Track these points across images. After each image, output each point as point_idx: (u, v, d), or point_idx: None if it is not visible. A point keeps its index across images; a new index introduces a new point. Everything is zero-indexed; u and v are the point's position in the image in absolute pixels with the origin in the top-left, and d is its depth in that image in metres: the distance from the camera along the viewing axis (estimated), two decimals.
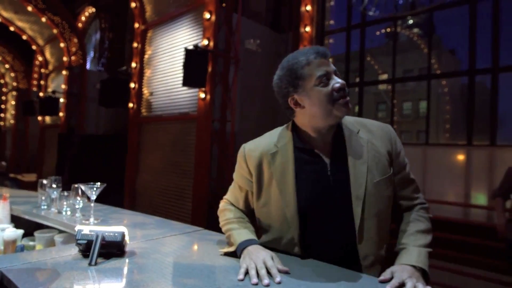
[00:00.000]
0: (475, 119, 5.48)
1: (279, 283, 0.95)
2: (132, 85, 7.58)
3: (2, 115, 15.96)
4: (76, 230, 1.13)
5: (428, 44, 6.58)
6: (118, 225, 1.20)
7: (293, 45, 7.19)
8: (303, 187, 1.13)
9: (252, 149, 1.22)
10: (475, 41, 5.39)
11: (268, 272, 0.99)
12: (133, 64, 7.65)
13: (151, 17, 7.55)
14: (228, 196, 1.36)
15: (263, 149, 1.20)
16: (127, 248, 1.22)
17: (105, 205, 2.12)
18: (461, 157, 5.52)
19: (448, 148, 5.82)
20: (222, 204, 1.36)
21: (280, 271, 1.00)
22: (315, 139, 1.15)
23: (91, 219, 1.68)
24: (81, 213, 1.79)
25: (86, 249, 1.12)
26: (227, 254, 1.19)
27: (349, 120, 1.20)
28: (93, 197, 1.68)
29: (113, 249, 1.14)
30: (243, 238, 1.15)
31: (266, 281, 0.94)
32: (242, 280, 0.97)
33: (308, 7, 7.02)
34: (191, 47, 5.49)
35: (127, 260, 1.13)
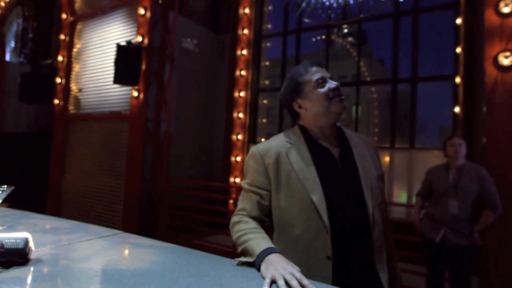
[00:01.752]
0: (398, 124, 5.95)
1: None
2: (58, 80, 7.05)
3: None
4: None
5: (358, 52, 7.01)
6: (26, 231, 1.10)
7: (231, 47, 7.22)
8: (321, 175, 1.21)
9: (265, 149, 1.29)
10: (398, 52, 5.86)
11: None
12: (60, 58, 7.13)
13: (81, 9, 7.11)
14: (240, 208, 1.32)
15: (277, 147, 1.28)
16: (33, 256, 1.12)
17: (15, 210, 1.93)
18: (386, 158, 5.95)
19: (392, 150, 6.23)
20: (235, 218, 1.30)
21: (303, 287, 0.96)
22: (321, 137, 1.29)
23: None
24: None
25: None
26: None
27: (344, 128, 1.36)
28: None
29: (14, 257, 1.04)
30: (263, 247, 1.11)
31: None
32: None
33: (247, 10, 7.10)
34: (123, 43, 5.26)
35: (31, 269, 1.04)
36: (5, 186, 1.53)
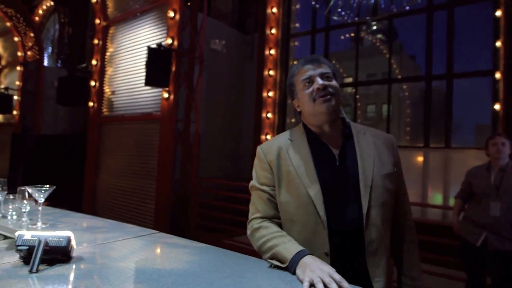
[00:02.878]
0: (432, 123, 5.74)
1: None
2: (92, 83, 7.30)
3: None
4: (16, 236, 1.05)
5: (389, 49, 6.82)
6: (68, 229, 1.13)
7: (259, 47, 7.21)
8: (318, 171, 1.21)
9: (268, 146, 1.31)
10: (432, 48, 5.65)
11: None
12: (94, 62, 7.37)
13: (113, 13, 7.32)
14: (253, 212, 1.31)
15: (279, 144, 1.30)
16: (74, 254, 1.15)
17: (56, 208, 2.01)
18: (419, 158, 5.76)
19: (407, 150, 6.05)
20: (252, 224, 1.28)
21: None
22: (321, 134, 1.27)
23: (39, 224, 1.58)
24: (28, 217, 1.69)
25: (28, 255, 1.05)
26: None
27: (356, 124, 1.33)
28: (41, 200, 1.58)
29: (57, 255, 1.07)
30: (294, 251, 1.10)
31: None
32: None
33: (274, 9, 7.07)
34: (154, 46, 5.37)
35: (73, 266, 1.07)
36: (47, 186, 1.59)
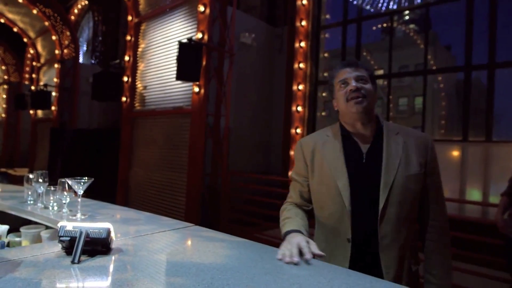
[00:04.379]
0: (471, 115, 5.46)
1: (307, 260, 1.08)
2: (125, 78, 7.47)
3: None
4: (59, 227, 1.06)
5: (424, 39, 6.54)
6: (105, 221, 1.14)
7: (289, 39, 7.11)
8: (348, 166, 1.33)
9: (306, 141, 1.48)
10: (472, 36, 5.36)
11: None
12: (126, 58, 7.53)
13: (145, 10, 7.43)
14: (288, 196, 1.52)
15: (316, 139, 1.45)
16: (113, 245, 1.16)
17: (94, 200, 2.05)
18: (456, 153, 5.51)
19: (443, 144, 5.80)
20: (283, 206, 1.50)
21: (315, 254, 1.12)
22: (354, 132, 1.38)
23: (78, 215, 1.62)
24: (68, 209, 1.73)
25: (69, 246, 1.06)
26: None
27: (391, 124, 1.41)
28: (80, 192, 1.61)
29: (98, 246, 1.08)
30: (289, 228, 1.28)
31: (295, 258, 1.08)
32: (279, 259, 1.11)
33: (304, 1, 6.94)
34: (185, 41, 5.40)
35: (112, 258, 1.07)
36: (86, 178, 1.62)
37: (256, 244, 1.28)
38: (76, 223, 1.08)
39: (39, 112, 11.82)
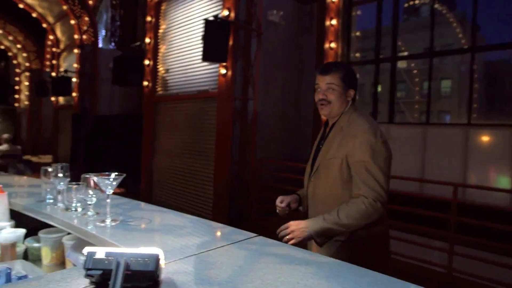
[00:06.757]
0: (497, 98, 4.88)
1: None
2: (146, 62, 7.14)
3: (17, 96, 15.76)
4: (85, 255, 0.72)
5: (474, 19, 5.93)
6: (141, 226, 0.79)
7: (318, 17, 6.61)
8: (316, 150, 1.72)
9: None
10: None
11: None
12: (147, 40, 7.20)
13: None
14: None
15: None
16: (162, 275, 0.81)
17: (122, 197, 1.72)
18: (484, 138, 4.98)
19: (493, 129, 5.25)
20: None
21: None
22: (330, 124, 1.68)
23: (108, 221, 1.29)
24: (95, 211, 1.40)
25: (101, 281, 0.72)
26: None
27: (351, 117, 1.60)
28: (109, 192, 1.28)
29: (142, 283, 0.74)
30: None
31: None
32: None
33: None
34: (211, 18, 5.00)
35: None
36: (115, 174, 1.29)
37: (356, 269, 0.91)
38: (110, 249, 0.73)
39: (61, 99, 11.71)
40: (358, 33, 7.25)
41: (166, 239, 1.12)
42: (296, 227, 1.45)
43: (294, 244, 1.36)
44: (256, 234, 1.18)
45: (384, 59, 6.59)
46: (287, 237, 1.43)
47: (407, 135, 5.58)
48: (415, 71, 22.40)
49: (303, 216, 1.65)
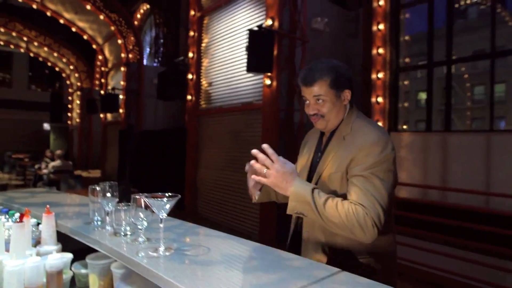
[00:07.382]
0: None
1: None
2: (189, 76, 7.18)
3: (69, 114, 16.67)
4: None
5: None
6: (200, 258, 0.60)
7: (365, 23, 6.31)
8: (312, 160, 1.54)
9: (307, 135, 1.70)
10: None
11: None
12: (190, 54, 7.25)
13: (207, 3, 7.09)
14: None
15: (311, 134, 1.66)
16: None
17: (174, 218, 1.56)
18: None
19: None
20: None
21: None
22: (325, 134, 1.51)
23: (161, 249, 1.11)
24: (145, 237, 1.24)
25: None
26: None
27: (355, 125, 1.39)
28: (163, 215, 1.11)
29: None
30: None
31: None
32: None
33: None
34: (255, 29, 4.89)
35: None
36: (168, 194, 1.12)
37: None
38: None
39: (109, 115, 12.16)
40: (407, 37, 6.86)
41: (231, 276, 0.92)
42: (280, 174, 1.26)
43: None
44: (338, 269, 0.95)
45: (439, 62, 6.16)
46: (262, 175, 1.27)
47: (467, 144, 5.11)
48: (465, 76, 21.09)
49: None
